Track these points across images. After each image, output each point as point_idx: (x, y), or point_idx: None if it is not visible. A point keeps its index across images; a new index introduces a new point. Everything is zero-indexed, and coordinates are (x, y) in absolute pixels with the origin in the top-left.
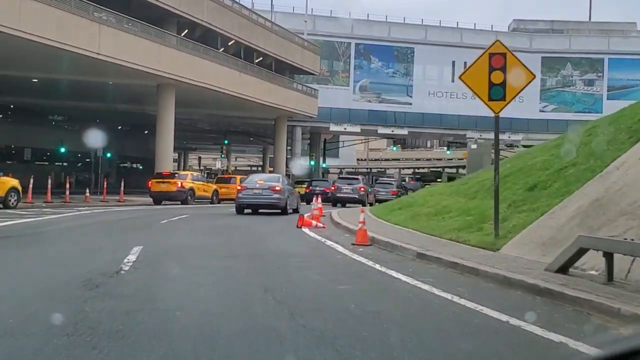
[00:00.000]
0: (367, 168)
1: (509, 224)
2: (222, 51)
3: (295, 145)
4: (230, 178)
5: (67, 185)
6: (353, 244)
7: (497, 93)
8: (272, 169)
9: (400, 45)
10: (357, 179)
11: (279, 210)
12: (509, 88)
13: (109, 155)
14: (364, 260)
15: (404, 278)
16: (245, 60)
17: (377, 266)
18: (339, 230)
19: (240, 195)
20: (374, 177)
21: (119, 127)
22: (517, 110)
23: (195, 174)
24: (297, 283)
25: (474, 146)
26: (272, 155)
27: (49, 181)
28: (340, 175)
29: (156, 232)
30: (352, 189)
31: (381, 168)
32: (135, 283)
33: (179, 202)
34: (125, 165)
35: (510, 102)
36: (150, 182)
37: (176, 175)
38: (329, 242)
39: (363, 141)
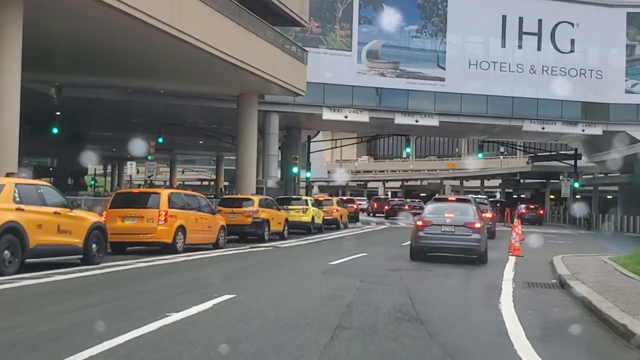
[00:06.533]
0: (342, 182)
1: None
2: None
3: (269, 142)
4: (150, 195)
5: None
6: None
7: None
8: (227, 183)
9: None
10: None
11: (475, 256)
12: None
13: None
14: None
15: None
16: None
17: None
18: None
19: (421, 234)
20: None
21: None
22: (591, 92)
23: None
24: None
25: None
26: (230, 168)
27: None
28: (437, 196)
29: None
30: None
31: (360, 181)
32: None
33: None
34: None
35: None
36: None
37: None
38: None
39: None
